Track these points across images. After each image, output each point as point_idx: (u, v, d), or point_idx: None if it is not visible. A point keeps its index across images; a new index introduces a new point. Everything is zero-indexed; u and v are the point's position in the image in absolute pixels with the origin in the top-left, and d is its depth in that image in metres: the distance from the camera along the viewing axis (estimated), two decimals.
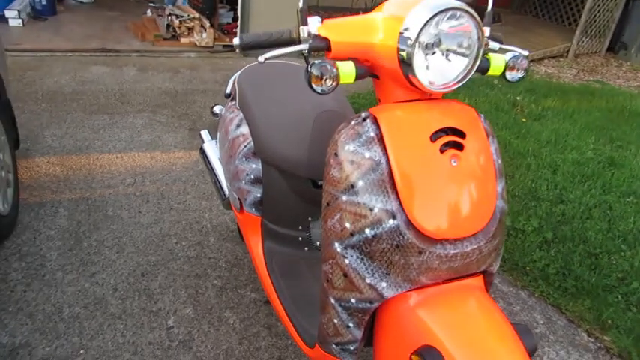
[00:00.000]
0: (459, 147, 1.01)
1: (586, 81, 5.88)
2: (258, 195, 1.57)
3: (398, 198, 0.96)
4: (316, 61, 0.95)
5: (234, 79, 1.81)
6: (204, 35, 5.43)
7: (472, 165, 1.01)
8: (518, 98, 4.50)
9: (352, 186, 0.98)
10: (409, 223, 0.96)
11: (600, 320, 1.93)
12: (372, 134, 0.98)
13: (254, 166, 1.56)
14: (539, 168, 3.15)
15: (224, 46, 5.39)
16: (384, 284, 0.99)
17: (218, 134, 1.91)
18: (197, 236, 2.29)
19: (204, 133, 2.22)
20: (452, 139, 1.00)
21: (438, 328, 0.96)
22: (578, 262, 2.23)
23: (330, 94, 1.67)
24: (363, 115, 1.02)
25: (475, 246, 1.02)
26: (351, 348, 1.10)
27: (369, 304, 1.02)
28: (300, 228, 1.61)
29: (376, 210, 0.96)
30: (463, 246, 1.00)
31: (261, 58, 0.99)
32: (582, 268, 2.18)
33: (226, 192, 1.90)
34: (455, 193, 0.99)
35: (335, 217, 1.01)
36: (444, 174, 0.98)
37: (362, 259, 0.99)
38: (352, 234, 0.99)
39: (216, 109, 2.06)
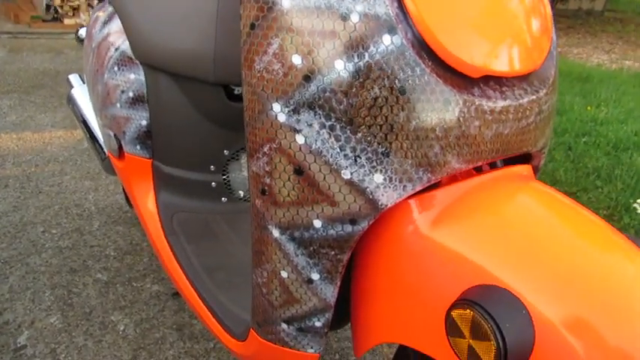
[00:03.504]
0: None
1: None
2: (143, 122, 1.01)
3: None
4: None
5: None
6: None
7: None
8: None
9: None
10: (422, 42, 0.47)
11: None
12: None
13: (132, 76, 1.00)
14: None
15: None
16: (378, 178, 0.48)
17: (84, 59, 1.32)
18: (75, 222, 1.66)
19: (74, 77, 1.60)
20: None
21: (498, 252, 0.47)
22: None
23: None
24: None
25: (533, 97, 0.55)
26: (318, 325, 0.59)
27: (349, 227, 0.51)
28: (212, 168, 1.06)
29: (355, 17, 0.45)
30: (515, 95, 0.53)
31: None
32: None
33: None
34: None
35: (269, 50, 0.49)
36: None
37: (331, 127, 0.48)
38: (308, 78, 0.47)
39: (83, 32, 1.46)
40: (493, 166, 0.59)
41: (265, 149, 0.51)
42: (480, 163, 0.52)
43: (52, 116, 2.69)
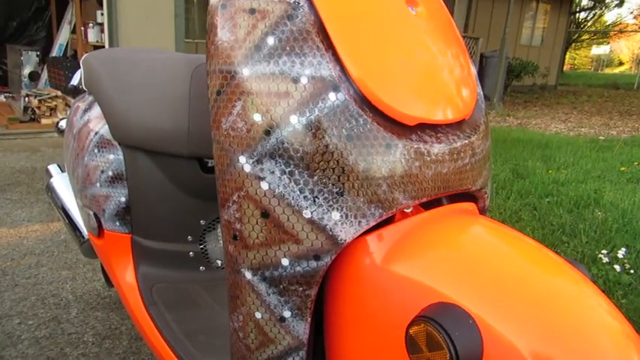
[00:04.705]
0: None
1: None
2: (122, 199, 1.07)
3: (337, 57, 0.56)
4: None
5: (81, 62, 1.34)
6: None
7: (435, 21, 0.66)
8: None
9: (257, 48, 0.56)
10: (363, 98, 0.56)
11: None
12: None
13: (111, 156, 1.07)
14: None
15: None
16: (335, 216, 0.55)
17: (64, 147, 1.40)
18: (52, 311, 1.64)
19: (53, 167, 1.66)
20: None
21: (445, 274, 0.53)
22: None
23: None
24: None
25: (466, 141, 0.63)
26: None
27: (314, 263, 0.56)
28: (189, 239, 1.11)
29: (304, 80, 0.54)
30: (449, 139, 0.61)
31: None
32: None
33: (85, 231, 1.35)
34: (421, 53, 0.61)
35: (234, 111, 0.57)
36: (402, 23, 0.60)
37: (290, 173, 0.55)
38: (268, 132, 0.55)
39: (63, 123, 1.55)
40: (440, 204, 0.66)
41: (234, 198, 0.57)
42: (425, 199, 0.59)
43: (28, 211, 2.71)
